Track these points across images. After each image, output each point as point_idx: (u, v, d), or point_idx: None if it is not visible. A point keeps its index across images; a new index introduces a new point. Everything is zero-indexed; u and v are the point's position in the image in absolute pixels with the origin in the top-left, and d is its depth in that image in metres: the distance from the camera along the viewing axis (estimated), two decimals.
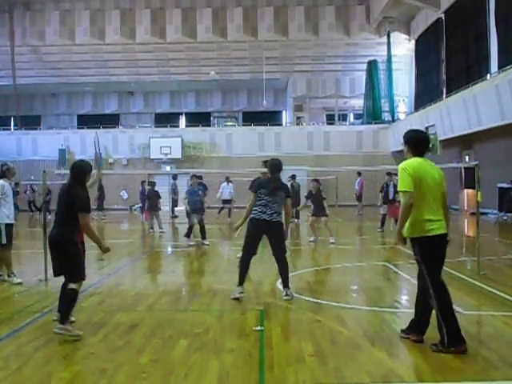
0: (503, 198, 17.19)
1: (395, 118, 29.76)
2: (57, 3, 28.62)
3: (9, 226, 7.67)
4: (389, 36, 27.48)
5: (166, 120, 35.48)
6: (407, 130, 4.89)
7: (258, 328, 5.15)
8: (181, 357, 4.41)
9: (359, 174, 22.82)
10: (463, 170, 21.35)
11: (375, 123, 30.35)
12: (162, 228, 15.54)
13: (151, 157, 29.77)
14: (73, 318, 5.23)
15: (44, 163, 26.27)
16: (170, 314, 5.88)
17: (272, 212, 6.40)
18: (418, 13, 26.05)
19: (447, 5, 22.15)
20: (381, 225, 14.62)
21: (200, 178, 13.75)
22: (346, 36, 28.19)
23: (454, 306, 4.50)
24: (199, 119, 35.68)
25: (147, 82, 36.02)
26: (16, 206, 20.34)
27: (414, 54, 27.67)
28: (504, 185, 17.33)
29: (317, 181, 12.51)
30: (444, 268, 4.61)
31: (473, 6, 20.18)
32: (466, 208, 21.67)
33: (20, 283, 7.62)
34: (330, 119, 36.06)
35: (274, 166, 6.71)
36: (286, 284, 6.47)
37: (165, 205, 20.68)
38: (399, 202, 16.41)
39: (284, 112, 39.20)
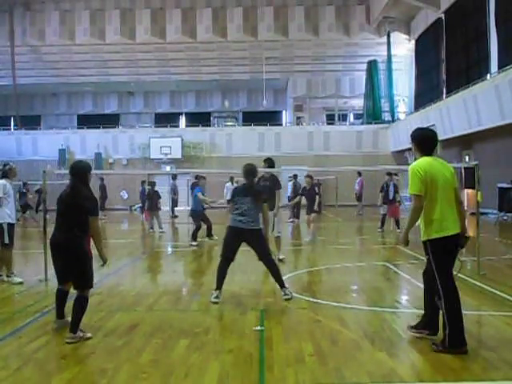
0: (503, 198, 17.17)
1: (395, 118, 29.77)
2: (57, 3, 28.62)
3: (10, 226, 7.66)
4: (389, 36, 27.49)
5: (165, 120, 35.49)
6: (415, 129, 4.84)
7: (258, 328, 5.15)
8: (181, 357, 4.40)
9: (359, 173, 22.83)
10: (463, 170, 21.31)
11: (375, 123, 30.37)
12: (161, 228, 15.56)
13: (151, 157, 29.79)
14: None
15: (44, 163, 26.22)
16: (170, 314, 5.88)
17: (248, 220, 6.30)
18: (418, 13, 26.08)
19: (447, 5, 22.16)
20: (381, 225, 14.65)
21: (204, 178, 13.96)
22: (345, 36, 28.19)
23: None
24: (199, 119, 35.67)
25: (147, 81, 35.99)
26: (28, 206, 20.36)
27: (413, 53, 27.68)
28: (504, 185, 17.30)
29: (310, 176, 12.59)
30: None
31: (473, 6, 20.21)
32: (466, 208, 21.66)
33: (21, 283, 7.61)
34: (330, 119, 36.05)
35: (246, 171, 6.51)
36: (281, 285, 6.43)
37: (165, 205, 20.68)
38: (399, 202, 16.22)
39: (284, 112, 39.18)
